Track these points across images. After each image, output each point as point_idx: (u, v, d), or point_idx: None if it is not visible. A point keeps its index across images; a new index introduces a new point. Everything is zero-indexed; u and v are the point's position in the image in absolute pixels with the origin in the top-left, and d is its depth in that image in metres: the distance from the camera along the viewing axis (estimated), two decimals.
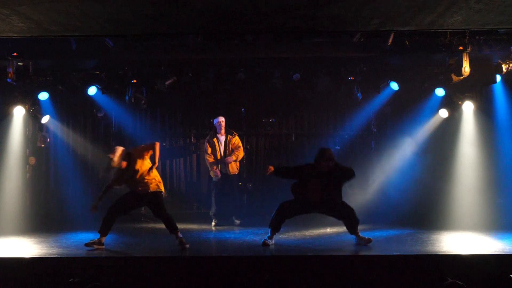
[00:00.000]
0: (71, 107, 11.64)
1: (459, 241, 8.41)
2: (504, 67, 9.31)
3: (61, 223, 10.82)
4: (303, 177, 8.36)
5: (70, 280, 6.39)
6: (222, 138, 10.77)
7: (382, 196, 11.12)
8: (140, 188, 8.33)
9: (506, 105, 10.42)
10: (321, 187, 8.24)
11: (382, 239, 9.01)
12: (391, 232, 9.54)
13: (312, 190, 8.27)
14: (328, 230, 9.69)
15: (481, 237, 8.79)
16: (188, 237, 9.13)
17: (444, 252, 7.70)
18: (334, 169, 8.28)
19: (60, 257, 7.49)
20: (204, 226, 10.43)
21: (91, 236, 9.21)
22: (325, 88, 11.05)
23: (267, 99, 11.73)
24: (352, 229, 8.36)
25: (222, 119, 10.77)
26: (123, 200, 8.40)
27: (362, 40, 9.78)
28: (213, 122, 10.94)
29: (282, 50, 10.27)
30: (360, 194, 11.08)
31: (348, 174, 8.33)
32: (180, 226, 8.39)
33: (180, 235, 8.26)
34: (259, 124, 12.00)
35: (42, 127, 11.29)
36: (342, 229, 9.21)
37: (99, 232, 8.19)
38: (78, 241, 8.73)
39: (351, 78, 10.89)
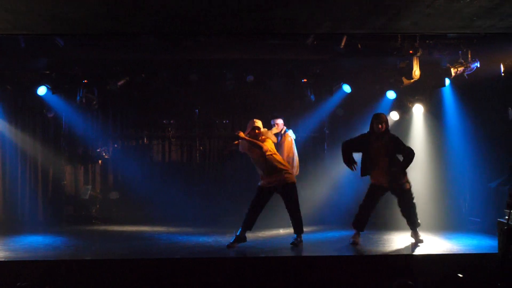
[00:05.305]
0: (20, 108, 11.35)
1: (409, 241, 8.54)
2: (453, 70, 9.49)
3: (9, 226, 10.55)
4: (367, 147, 8.28)
5: (18, 284, 6.22)
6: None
7: (331, 197, 11.23)
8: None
9: (455, 107, 10.64)
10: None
11: (334, 240, 9.12)
12: (343, 233, 9.56)
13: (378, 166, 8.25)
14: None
15: (430, 237, 8.96)
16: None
17: (394, 252, 7.82)
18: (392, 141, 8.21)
19: (7, 261, 7.31)
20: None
21: (39, 239, 9.05)
22: (278, 90, 11.10)
23: (220, 100, 11.71)
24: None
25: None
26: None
27: (315, 42, 9.83)
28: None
29: (235, 52, 10.26)
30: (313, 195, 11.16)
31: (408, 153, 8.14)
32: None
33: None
34: (213, 125, 11.96)
35: None
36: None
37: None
38: (26, 244, 8.54)
39: (304, 80, 10.99)
